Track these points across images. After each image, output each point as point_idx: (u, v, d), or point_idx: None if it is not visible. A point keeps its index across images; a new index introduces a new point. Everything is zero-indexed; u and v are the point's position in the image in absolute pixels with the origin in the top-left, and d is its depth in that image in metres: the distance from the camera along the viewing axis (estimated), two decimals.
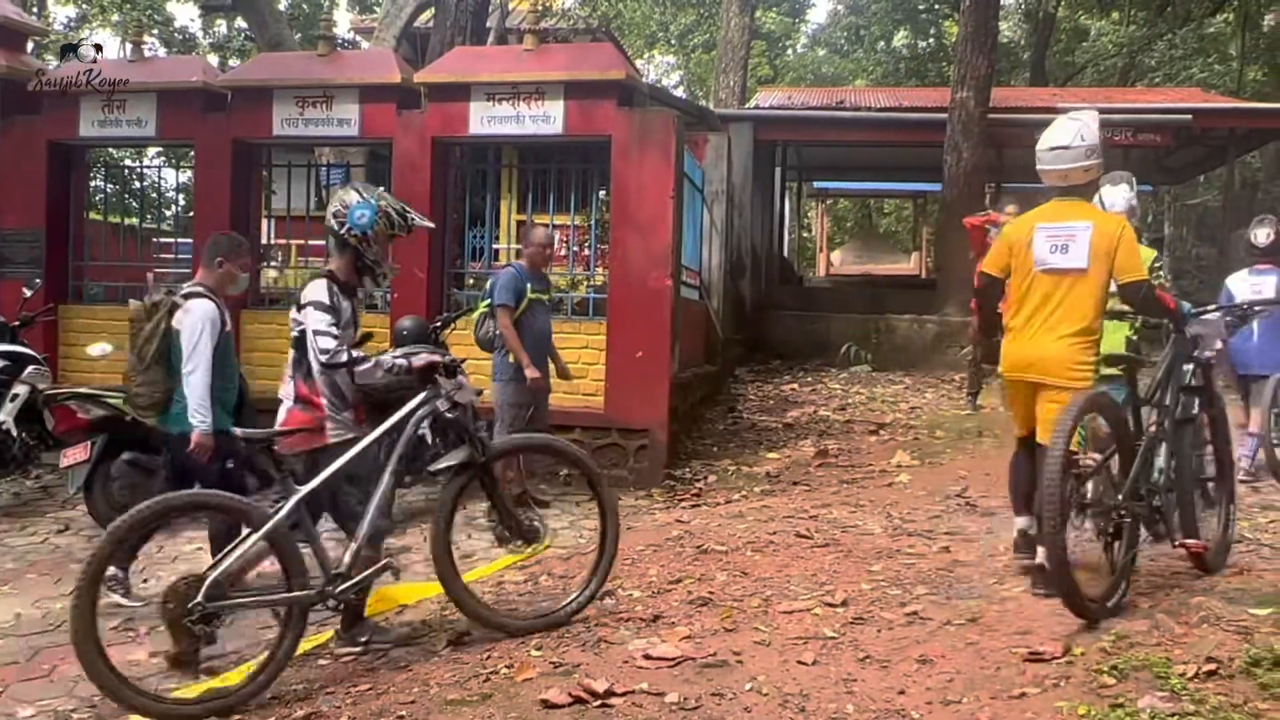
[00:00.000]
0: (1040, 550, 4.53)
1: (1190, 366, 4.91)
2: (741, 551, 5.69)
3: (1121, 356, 5.06)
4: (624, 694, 3.62)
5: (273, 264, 10.63)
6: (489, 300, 7.29)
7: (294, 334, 4.66)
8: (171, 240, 10.64)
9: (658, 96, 9.84)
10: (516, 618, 4.71)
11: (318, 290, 4.61)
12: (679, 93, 29.11)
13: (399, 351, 5.15)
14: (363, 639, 4.64)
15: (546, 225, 8.46)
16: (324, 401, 4.63)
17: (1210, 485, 5.09)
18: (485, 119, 8.45)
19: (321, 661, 4.58)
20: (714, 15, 24.88)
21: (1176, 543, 4.70)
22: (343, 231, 4.67)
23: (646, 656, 4.01)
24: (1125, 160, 17.81)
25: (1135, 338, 5.47)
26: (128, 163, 11.51)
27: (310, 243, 9.96)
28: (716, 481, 8.12)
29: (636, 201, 8.22)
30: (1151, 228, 32.77)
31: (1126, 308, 4.93)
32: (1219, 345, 5.31)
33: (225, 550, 4.15)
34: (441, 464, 4.72)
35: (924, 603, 4.57)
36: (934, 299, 15.02)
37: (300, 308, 4.60)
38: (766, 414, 10.93)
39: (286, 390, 4.71)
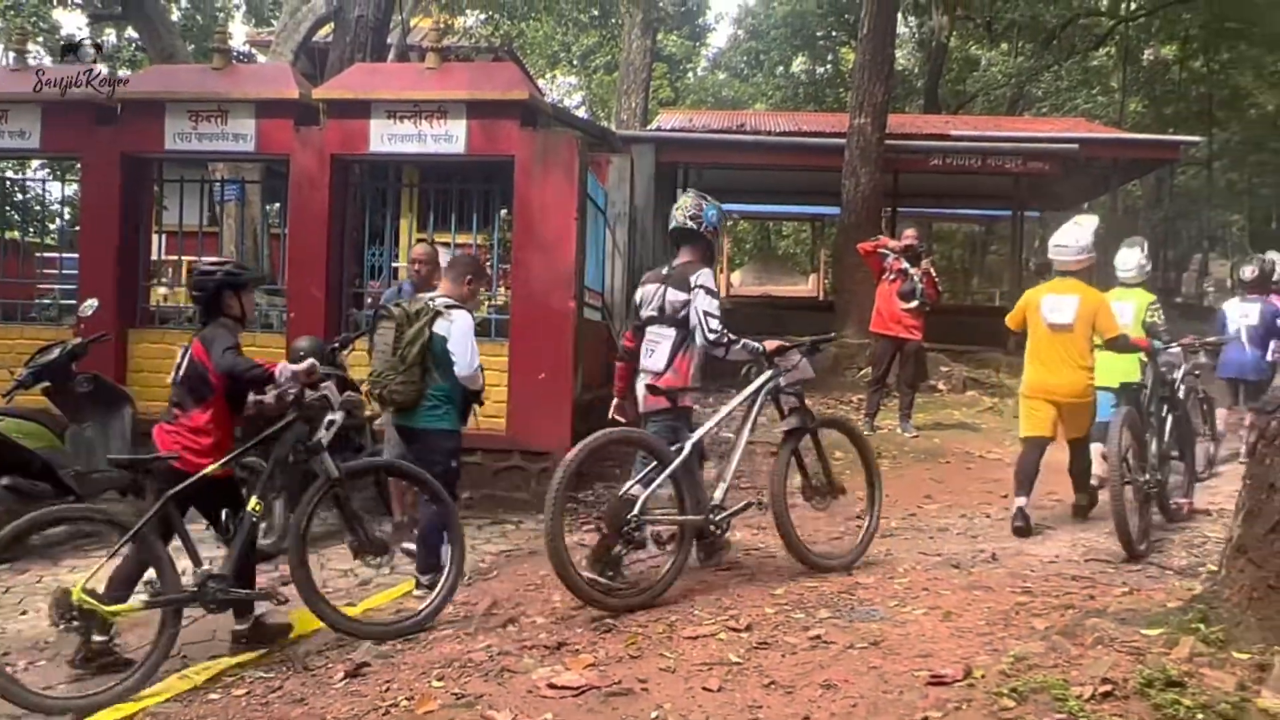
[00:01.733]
0: (1020, 520, 6.71)
1: (1163, 385, 7.15)
2: (645, 576, 5.66)
3: (1134, 383, 6.87)
4: None
5: (162, 281, 10.29)
6: None
7: (672, 311, 5.65)
8: (56, 255, 10.24)
9: (561, 117, 9.82)
10: (829, 559, 5.78)
11: (708, 277, 5.65)
12: (581, 113, 29.14)
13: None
14: (723, 556, 5.89)
15: (426, 241, 8.31)
16: (691, 371, 5.77)
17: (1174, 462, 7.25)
18: (386, 137, 8.34)
19: (212, 696, 4.44)
20: (616, 37, 25.01)
21: (1172, 501, 7.00)
22: (702, 229, 5.74)
23: (550, 685, 3.94)
24: (1016, 185, 18.41)
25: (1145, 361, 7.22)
26: (10, 175, 11.03)
27: (203, 260, 9.72)
28: None
29: (540, 222, 8.18)
30: (1039, 252, 33.91)
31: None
32: (1203, 361, 8.10)
33: (638, 478, 5.23)
34: (782, 427, 5.81)
35: (827, 626, 4.57)
36: (833, 321, 15.21)
37: (690, 289, 5.58)
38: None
39: (655, 360, 5.71)
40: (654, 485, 5.12)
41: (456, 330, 6.01)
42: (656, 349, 5.70)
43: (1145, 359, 7.11)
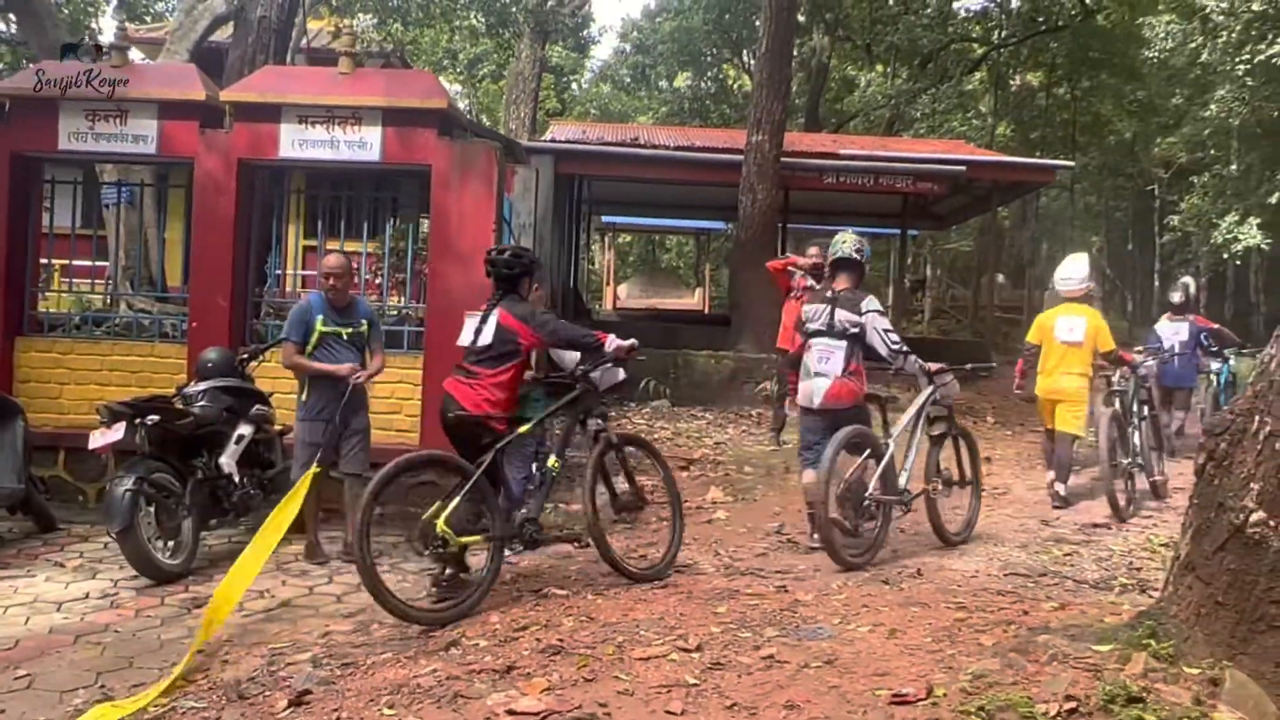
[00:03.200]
0: (1059, 489, 8.70)
1: (1143, 392, 9.13)
2: (582, 595, 5.59)
3: (1119, 389, 8.92)
4: None
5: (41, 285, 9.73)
6: None
7: (841, 329, 6.79)
8: None
9: (474, 128, 9.67)
10: (957, 535, 7.27)
11: (875, 302, 6.93)
12: None
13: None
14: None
15: (337, 250, 7.98)
16: (864, 375, 6.98)
17: (1155, 453, 9.28)
18: (297, 142, 8.07)
19: None
20: (508, 46, 24.78)
21: (1150, 477, 9.02)
22: (861, 259, 7.01)
23: (509, 712, 3.84)
24: (904, 205, 18.87)
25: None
26: None
27: (92, 263, 9.30)
28: None
29: (457, 233, 8.03)
30: (913, 269, 34.88)
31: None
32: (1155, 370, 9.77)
33: (856, 466, 6.58)
34: (935, 431, 7.30)
35: (776, 645, 4.57)
36: (728, 335, 15.34)
37: (862, 313, 6.77)
38: (574, 449, 10.81)
39: (831, 366, 6.78)
40: (879, 471, 6.65)
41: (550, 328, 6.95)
42: (831, 358, 6.81)
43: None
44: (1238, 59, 23.91)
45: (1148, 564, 6.77)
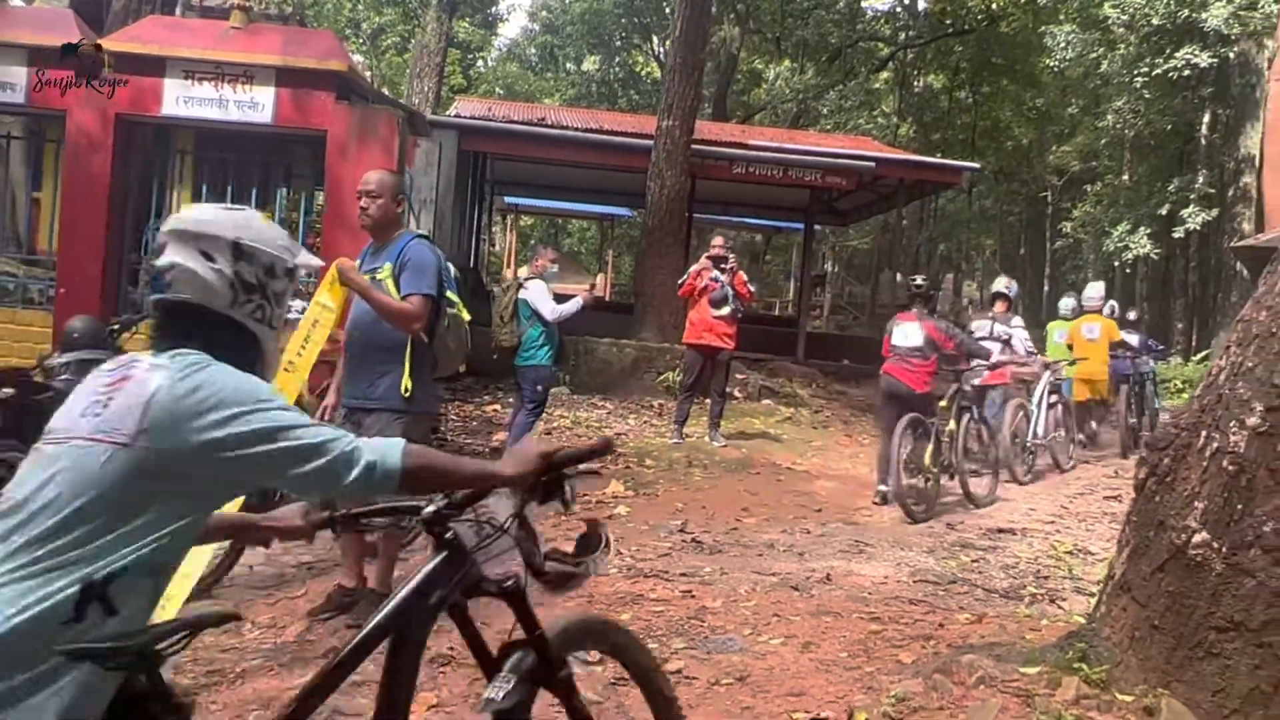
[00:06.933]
0: (1080, 438, 12.18)
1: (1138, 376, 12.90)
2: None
3: (1130, 374, 12.60)
4: None
5: None
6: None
7: (997, 335, 10.25)
8: None
9: (375, 95, 9.17)
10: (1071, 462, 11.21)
11: (1020, 321, 10.66)
12: None
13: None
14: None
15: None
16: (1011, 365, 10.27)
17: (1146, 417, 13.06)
18: (182, 99, 7.51)
19: None
20: (416, 16, 23.91)
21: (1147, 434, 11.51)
22: (1011, 295, 10.86)
23: None
24: (811, 199, 18.79)
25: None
26: None
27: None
28: None
29: (353, 204, 7.53)
30: (812, 264, 35.09)
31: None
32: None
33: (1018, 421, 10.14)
34: (1051, 400, 10.78)
35: (685, 658, 4.29)
36: (631, 323, 15.02)
37: (1011, 328, 10.35)
38: (471, 436, 10.44)
39: (996, 357, 9.68)
40: (1031, 426, 10.39)
41: (534, 294, 8.49)
42: (990, 355, 9.54)
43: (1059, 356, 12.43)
44: (1135, 71, 24.43)
45: (1054, 572, 6.65)
